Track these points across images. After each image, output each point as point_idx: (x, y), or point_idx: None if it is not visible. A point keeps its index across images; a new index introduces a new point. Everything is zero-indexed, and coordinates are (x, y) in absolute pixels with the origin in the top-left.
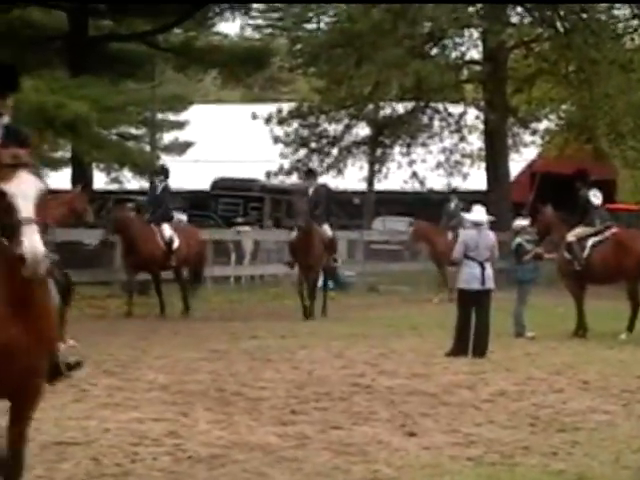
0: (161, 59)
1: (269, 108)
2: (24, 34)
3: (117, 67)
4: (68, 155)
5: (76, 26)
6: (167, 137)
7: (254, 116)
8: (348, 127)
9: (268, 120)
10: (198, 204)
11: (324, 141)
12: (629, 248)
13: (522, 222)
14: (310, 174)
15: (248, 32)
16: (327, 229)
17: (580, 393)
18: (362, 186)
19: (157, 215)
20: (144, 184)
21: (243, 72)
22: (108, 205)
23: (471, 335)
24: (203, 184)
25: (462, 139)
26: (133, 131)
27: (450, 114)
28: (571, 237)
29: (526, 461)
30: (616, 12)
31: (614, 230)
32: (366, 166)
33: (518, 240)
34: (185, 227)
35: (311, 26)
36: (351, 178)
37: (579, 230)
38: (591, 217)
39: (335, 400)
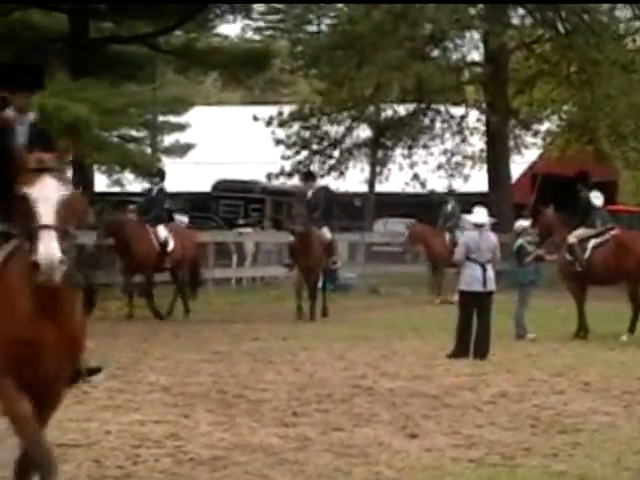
0: (162, 61)
1: (270, 110)
2: (25, 36)
3: (118, 69)
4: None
5: (77, 28)
6: (168, 139)
7: (255, 118)
8: (349, 129)
9: (269, 122)
10: (199, 206)
11: (325, 143)
12: (630, 249)
13: (523, 223)
14: (309, 177)
15: (249, 34)
16: (326, 232)
17: (581, 394)
18: (363, 188)
19: (151, 217)
20: (146, 186)
21: (244, 74)
22: (105, 207)
23: (472, 337)
24: (204, 186)
25: (463, 141)
26: (134, 133)
27: (451, 116)
28: (572, 239)
29: (527, 462)
30: (617, 13)
31: (615, 232)
32: (367, 168)
33: (520, 242)
34: (181, 229)
35: (312, 28)
36: (352, 180)
37: (580, 232)
38: (592, 219)
39: (336, 402)
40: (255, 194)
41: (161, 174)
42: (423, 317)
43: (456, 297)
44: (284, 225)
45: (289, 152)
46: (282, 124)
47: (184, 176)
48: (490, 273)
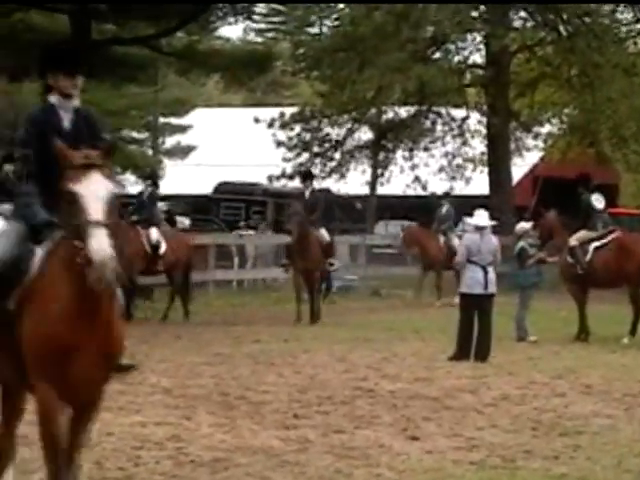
0: (164, 63)
1: (272, 112)
2: (26, 38)
3: (119, 71)
4: None
5: (78, 30)
6: (169, 141)
7: (256, 120)
8: (351, 131)
9: (271, 124)
10: (200, 208)
11: (326, 145)
12: (631, 252)
13: (525, 226)
14: (307, 176)
15: (251, 36)
16: (324, 233)
17: (582, 397)
18: (364, 190)
19: (142, 219)
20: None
21: (245, 76)
22: None
23: (473, 339)
24: (205, 188)
25: (464, 143)
26: (135, 135)
27: (453, 118)
28: (573, 241)
29: (528, 465)
30: (619, 16)
31: (616, 234)
32: (368, 170)
33: (521, 244)
34: (174, 232)
35: (314, 30)
36: (353, 182)
37: (581, 234)
38: (593, 221)
39: (337, 404)
40: (256, 196)
41: (153, 176)
42: (424, 319)
43: (457, 299)
44: (283, 227)
45: (290, 154)
46: (283, 126)
47: (185, 178)
48: (491, 275)
